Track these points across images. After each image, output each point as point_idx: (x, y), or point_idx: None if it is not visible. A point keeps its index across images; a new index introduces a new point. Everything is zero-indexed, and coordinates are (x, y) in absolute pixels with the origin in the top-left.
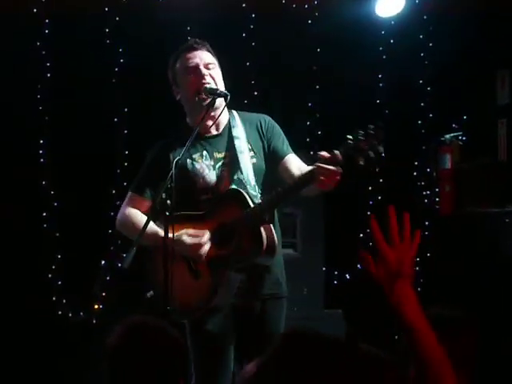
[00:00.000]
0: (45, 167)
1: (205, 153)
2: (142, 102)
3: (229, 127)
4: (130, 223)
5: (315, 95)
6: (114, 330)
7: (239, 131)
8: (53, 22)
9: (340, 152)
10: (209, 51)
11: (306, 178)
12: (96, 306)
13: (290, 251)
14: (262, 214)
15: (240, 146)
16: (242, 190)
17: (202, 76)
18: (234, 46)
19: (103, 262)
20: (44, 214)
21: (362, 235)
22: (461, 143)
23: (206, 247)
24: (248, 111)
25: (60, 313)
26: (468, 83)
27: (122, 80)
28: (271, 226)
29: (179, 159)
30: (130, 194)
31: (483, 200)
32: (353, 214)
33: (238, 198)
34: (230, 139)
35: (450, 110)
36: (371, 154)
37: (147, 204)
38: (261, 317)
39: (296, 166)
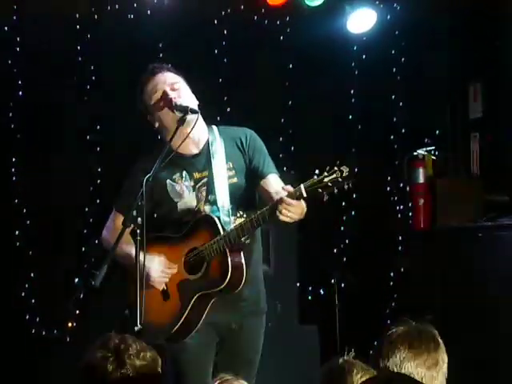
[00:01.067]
0: (16, 185)
1: (184, 173)
2: (115, 117)
3: (208, 145)
4: (110, 243)
5: (288, 111)
6: (90, 348)
7: (218, 148)
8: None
9: (305, 187)
10: (170, 71)
11: (269, 211)
12: (70, 324)
13: (263, 267)
14: (230, 241)
15: (217, 164)
16: (214, 217)
17: (170, 98)
18: (207, 62)
19: (77, 280)
20: (16, 233)
21: (335, 250)
22: (433, 157)
23: (165, 278)
24: (230, 125)
25: (34, 331)
26: (440, 97)
27: (94, 96)
28: (241, 253)
29: (149, 177)
30: (114, 212)
31: (456, 214)
32: (326, 228)
33: (210, 223)
34: (209, 158)
35: (423, 124)
36: (335, 190)
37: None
38: (239, 333)
39: (274, 189)
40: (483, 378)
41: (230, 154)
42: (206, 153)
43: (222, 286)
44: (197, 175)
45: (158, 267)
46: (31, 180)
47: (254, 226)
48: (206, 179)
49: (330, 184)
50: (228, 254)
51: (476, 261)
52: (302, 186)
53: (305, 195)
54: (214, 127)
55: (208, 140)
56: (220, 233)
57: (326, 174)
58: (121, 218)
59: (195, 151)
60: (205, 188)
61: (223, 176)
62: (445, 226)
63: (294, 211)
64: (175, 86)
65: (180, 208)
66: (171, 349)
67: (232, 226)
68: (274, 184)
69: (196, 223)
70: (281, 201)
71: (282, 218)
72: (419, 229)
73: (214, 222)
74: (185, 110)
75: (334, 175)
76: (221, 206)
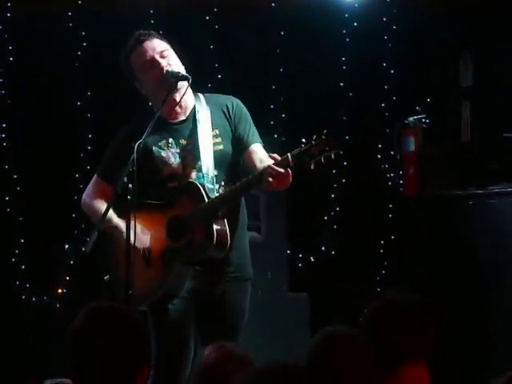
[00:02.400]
0: (7, 151)
1: (171, 140)
2: (105, 85)
3: (194, 112)
4: (93, 208)
5: (279, 78)
6: (78, 314)
7: (204, 115)
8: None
9: (292, 156)
10: (157, 38)
11: (255, 179)
12: (59, 290)
13: (253, 234)
14: (214, 209)
15: (202, 131)
16: (198, 184)
17: (161, 67)
18: (197, 30)
19: (67, 246)
20: (7, 199)
21: (326, 218)
22: (424, 126)
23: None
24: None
25: (24, 297)
26: (431, 66)
27: (84, 64)
28: (224, 220)
29: (140, 143)
30: (96, 178)
31: (447, 182)
32: (317, 196)
33: (194, 191)
34: (194, 125)
35: (414, 92)
36: (322, 159)
37: (111, 189)
38: (222, 299)
39: (258, 157)
40: (472, 346)
41: (215, 121)
42: (192, 120)
43: (208, 253)
44: (183, 142)
45: (140, 234)
46: (22, 145)
47: (239, 194)
48: (190, 146)
49: (316, 153)
50: (212, 221)
51: (466, 228)
52: (288, 154)
53: (292, 164)
54: (200, 95)
55: (194, 107)
56: (204, 200)
57: (313, 142)
58: (103, 184)
59: (182, 118)
60: (190, 155)
61: (208, 143)
62: (435, 194)
63: (280, 180)
64: (164, 54)
65: (166, 174)
66: (153, 314)
67: (217, 194)
68: (259, 153)
69: (179, 190)
70: (267, 169)
71: (267, 186)
72: (410, 196)
73: (198, 189)
74: (176, 77)
75: (322, 144)
76: (205, 173)
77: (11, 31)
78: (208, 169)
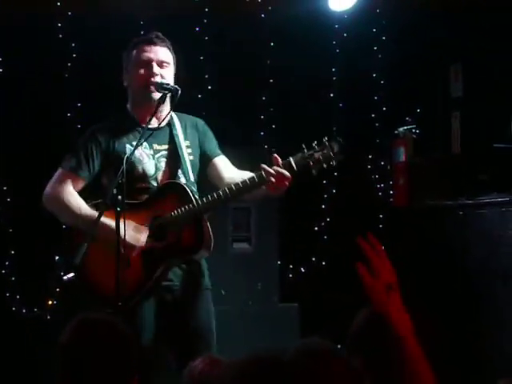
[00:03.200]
0: None
1: (144, 143)
2: (95, 96)
3: (169, 123)
4: (69, 203)
5: (269, 89)
6: (65, 327)
7: (178, 129)
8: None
9: (294, 160)
10: (168, 49)
11: (257, 179)
12: (50, 302)
13: (244, 245)
14: (205, 210)
15: (180, 142)
16: (184, 185)
17: (152, 73)
18: (187, 39)
19: (57, 258)
20: None
21: (316, 228)
22: (414, 136)
23: (143, 241)
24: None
25: (14, 309)
26: (421, 76)
27: (74, 74)
28: (208, 222)
29: (130, 156)
30: (63, 171)
31: (437, 193)
32: (307, 207)
33: (180, 191)
34: (171, 134)
35: (404, 103)
36: (324, 166)
37: (81, 184)
38: (183, 308)
39: (227, 167)
40: (465, 356)
41: (187, 133)
42: (167, 129)
43: (198, 254)
44: (156, 146)
45: (133, 232)
46: (10, 157)
47: (235, 195)
48: (165, 152)
49: (320, 158)
50: (202, 221)
51: (457, 238)
52: (291, 158)
53: (295, 168)
54: (172, 112)
55: (171, 118)
56: (192, 201)
57: (316, 148)
58: (75, 177)
59: (155, 125)
60: (164, 160)
61: (185, 152)
62: (425, 204)
63: (281, 181)
64: (163, 65)
65: (137, 173)
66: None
67: (210, 194)
68: (225, 163)
69: (161, 190)
70: (269, 169)
71: (268, 187)
72: (400, 207)
73: (184, 189)
74: (164, 88)
75: (325, 150)
76: (188, 178)
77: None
78: (190, 174)
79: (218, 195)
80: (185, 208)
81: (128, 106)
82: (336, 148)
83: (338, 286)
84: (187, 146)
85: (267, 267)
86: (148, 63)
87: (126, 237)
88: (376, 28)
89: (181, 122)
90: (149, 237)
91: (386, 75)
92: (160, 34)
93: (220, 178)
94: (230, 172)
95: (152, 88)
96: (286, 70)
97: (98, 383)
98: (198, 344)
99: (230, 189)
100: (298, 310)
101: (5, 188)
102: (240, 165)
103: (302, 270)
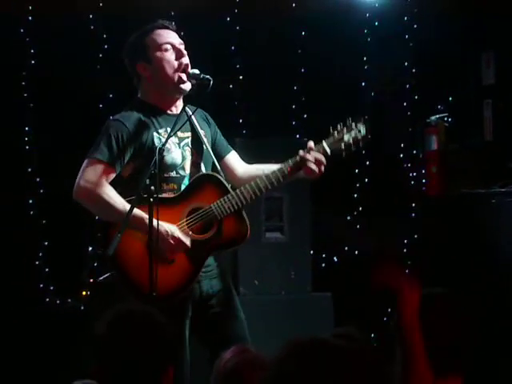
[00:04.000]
0: (30, 154)
1: (169, 129)
2: (127, 87)
3: (185, 110)
4: (105, 195)
5: (300, 78)
6: (103, 317)
7: (194, 118)
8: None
9: (328, 144)
10: (178, 35)
11: (294, 163)
12: (84, 293)
13: (277, 234)
14: (244, 201)
15: (199, 130)
16: (219, 176)
17: (182, 54)
18: (218, 31)
19: (90, 249)
20: (30, 201)
21: (349, 218)
22: (446, 124)
23: (185, 240)
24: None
25: (48, 300)
26: (453, 64)
27: (106, 66)
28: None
29: (162, 147)
30: (94, 161)
31: (470, 181)
32: (340, 196)
33: (216, 183)
34: (191, 122)
35: (436, 91)
36: (353, 148)
37: (113, 174)
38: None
39: (239, 162)
40: (499, 346)
41: (200, 123)
42: (185, 117)
43: (241, 244)
44: (180, 134)
45: (179, 232)
46: (44, 149)
47: (273, 183)
48: (188, 140)
49: (350, 141)
50: (242, 211)
51: (489, 226)
52: (324, 142)
53: (328, 152)
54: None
55: (184, 106)
56: (229, 191)
57: (345, 131)
58: (105, 169)
59: (175, 112)
60: (188, 148)
61: (205, 140)
62: (458, 193)
63: (318, 165)
64: (185, 48)
65: (165, 162)
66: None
67: (248, 184)
68: (238, 158)
69: (195, 182)
70: (306, 154)
71: (307, 171)
72: (432, 195)
73: (220, 181)
74: (197, 78)
75: (353, 133)
76: (215, 166)
77: (33, 35)
78: (216, 163)
79: (257, 184)
80: (225, 199)
81: (140, 95)
82: (362, 129)
83: (371, 276)
84: (204, 136)
85: (300, 256)
86: (173, 44)
87: (170, 233)
88: (407, 16)
89: (191, 111)
90: (191, 230)
91: (417, 63)
92: (167, 20)
93: (233, 173)
94: (242, 166)
95: (185, 77)
96: (317, 60)
97: (134, 374)
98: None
99: (267, 177)
100: (330, 299)
101: (37, 179)
102: (271, 155)
103: (335, 259)
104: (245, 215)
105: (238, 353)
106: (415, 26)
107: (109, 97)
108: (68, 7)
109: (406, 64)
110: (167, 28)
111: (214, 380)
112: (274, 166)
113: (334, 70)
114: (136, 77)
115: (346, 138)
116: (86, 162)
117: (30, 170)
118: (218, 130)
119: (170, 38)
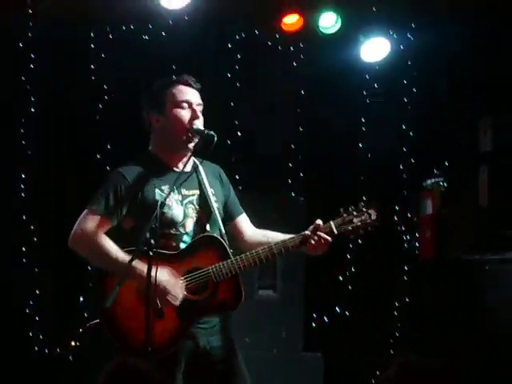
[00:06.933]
0: (24, 197)
1: (174, 187)
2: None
3: (195, 168)
4: (101, 246)
5: (298, 137)
6: (103, 371)
7: (203, 175)
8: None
9: (335, 225)
10: (198, 92)
11: (298, 241)
12: (73, 343)
13: (269, 292)
14: (244, 268)
15: (208, 189)
16: (221, 239)
17: (197, 116)
18: (219, 84)
19: (82, 299)
20: (23, 249)
21: (341, 278)
22: (442, 189)
23: (181, 297)
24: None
25: (36, 348)
26: (451, 129)
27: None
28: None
29: (164, 202)
30: (91, 212)
31: (464, 246)
32: (333, 256)
33: (218, 246)
34: (198, 180)
35: (432, 155)
36: (361, 231)
37: (108, 226)
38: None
39: (248, 225)
40: None
41: (211, 181)
42: (194, 174)
43: (237, 306)
44: (184, 192)
45: (173, 285)
46: (37, 197)
47: (274, 254)
48: (193, 198)
49: (359, 224)
50: (239, 278)
51: (482, 292)
52: (331, 223)
53: (336, 232)
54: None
55: (194, 163)
56: (229, 256)
57: (355, 213)
58: (105, 220)
59: (185, 169)
60: (192, 206)
61: (212, 199)
62: (452, 258)
63: (322, 244)
64: (201, 110)
65: (165, 219)
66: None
67: (249, 252)
68: (248, 221)
69: (197, 242)
70: (312, 234)
71: (310, 248)
72: (426, 259)
73: (222, 244)
74: (201, 134)
75: (363, 217)
76: (220, 228)
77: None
78: (220, 223)
79: (258, 254)
80: (224, 264)
81: (150, 148)
82: (373, 215)
83: (362, 337)
84: (213, 194)
85: (292, 315)
86: (190, 104)
87: (168, 287)
88: (406, 79)
89: (204, 169)
90: (186, 289)
91: (414, 127)
92: (192, 77)
93: (241, 235)
94: (251, 230)
95: (193, 133)
96: (315, 118)
97: None
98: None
99: (270, 248)
100: (321, 359)
101: (32, 227)
102: (268, 210)
103: (326, 319)
104: (241, 282)
105: None
106: (414, 90)
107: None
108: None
109: (403, 127)
110: (190, 85)
111: None
112: (280, 237)
113: (332, 129)
114: (148, 126)
115: (355, 220)
116: (84, 212)
117: (24, 217)
118: (232, 189)
119: (189, 96)
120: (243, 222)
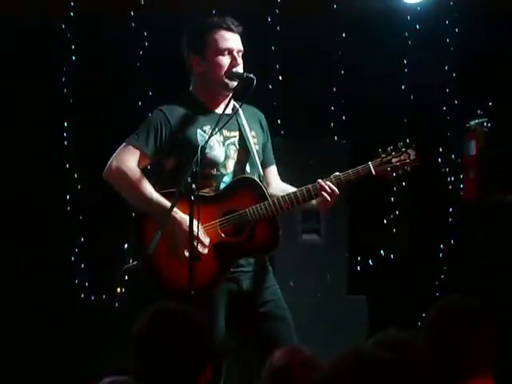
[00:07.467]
0: (68, 150)
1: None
2: (166, 85)
3: (235, 111)
4: (137, 182)
5: (340, 80)
6: (141, 316)
7: (243, 118)
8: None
9: (373, 165)
10: (241, 38)
11: (313, 191)
12: (118, 290)
13: (313, 236)
14: (279, 210)
15: (248, 131)
16: (260, 183)
17: (236, 63)
18: (258, 30)
19: (126, 245)
20: (67, 197)
21: (385, 221)
22: (486, 129)
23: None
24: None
25: (82, 296)
26: (493, 69)
27: (146, 64)
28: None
29: (204, 146)
30: (129, 146)
31: (507, 187)
32: (377, 199)
33: (255, 188)
34: (238, 122)
35: (476, 96)
36: (400, 172)
37: (145, 162)
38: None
39: (276, 177)
40: None
41: (251, 125)
42: (234, 117)
43: (270, 253)
44: (226, 133)
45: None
46: (82, 145)
47: (300, 200)
48: (234, 139)
49: (397, 164)
50: (277, 220)
51: None
52: (370, 164)
53: (373, 173)
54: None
55: (234, 106)
56: (267, 199)
57: (393, 153)
58: (140, 155)
59: (225, 111)
60: (233, 147)
61: (252, 141)
62: (495, 198)
63: (332, 198)
64: (240, 55)
65: (207, 159)
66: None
67: (286, 194)
68: (276, 174)
69: (235, 184)
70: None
71: (320, 201)
72: (470, 200)
73: (260, 186)
74: (241, 78)
75: (402, 157)
76: (259, 171)
77: (74, 30)
78: (259, 166)
79: (296, 195)
80: (261, 206)
81: (191, 88)
82: (412, 155)
83: (406, 280)
84: (253, 137)
85: (336, 259)
86: (232, 52)
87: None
88: (449, 20)
89: (243, 111)
90: (222, 230)
91: (457, 68)
92: (234, 20)
93: (268, 186)
94: (277, 183)
95: (233, 78)
96: (357, 62)
97: (172, 373)
98: (275, 327)
99: (307, 190)
100: (365, 302)
101: (75, 175)
102: (309, 155)
103: (370, 262)
104: (279, 224)
105: (291, 352)
106: (456, 30)
107: (148, 95)
108: (107, 6)
109: (446, 68)
110: (232, 30)
111: (266, 377)
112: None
113: (374, 72)
114: (189, 67)
115: (393, 160)
116: (122, 145)
117: (67, 165)
118: (270, 139)
119: (231, 43)
120: (272, 173)
